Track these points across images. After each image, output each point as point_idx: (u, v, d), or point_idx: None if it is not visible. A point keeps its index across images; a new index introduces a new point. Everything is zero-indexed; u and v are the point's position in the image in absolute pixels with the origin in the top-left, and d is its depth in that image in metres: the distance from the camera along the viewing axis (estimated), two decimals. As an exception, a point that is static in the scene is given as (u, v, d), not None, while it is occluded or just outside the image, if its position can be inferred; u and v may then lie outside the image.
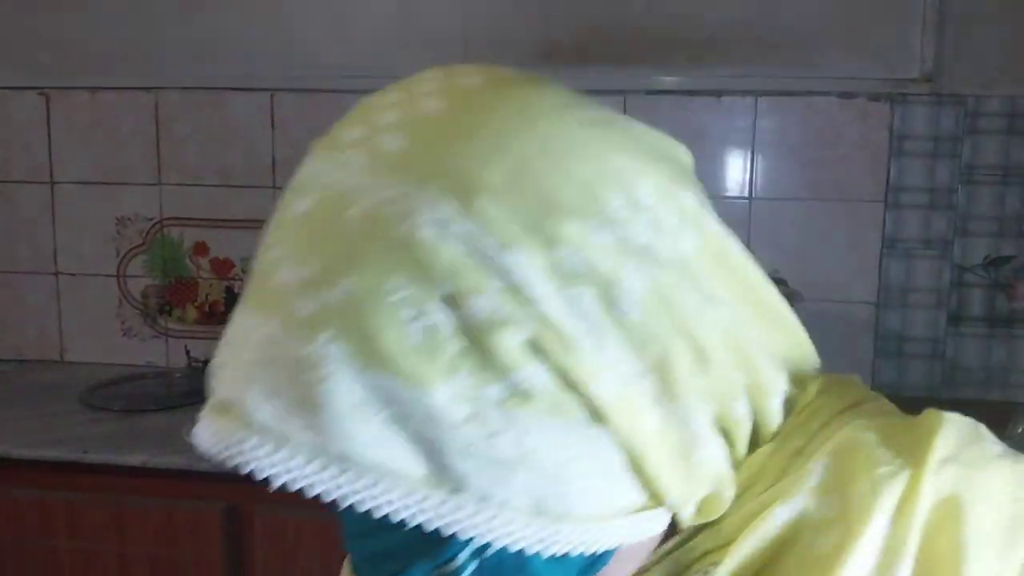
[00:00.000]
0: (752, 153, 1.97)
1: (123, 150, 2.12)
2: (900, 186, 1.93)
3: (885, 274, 1.96)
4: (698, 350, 0.42)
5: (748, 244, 1.95)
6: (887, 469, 0.43)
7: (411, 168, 0.39)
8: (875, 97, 1.92)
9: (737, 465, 0.46)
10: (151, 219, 2.13)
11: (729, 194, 1.97)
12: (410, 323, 0.37)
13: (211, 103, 2.08)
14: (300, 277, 0.39)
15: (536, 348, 0.39)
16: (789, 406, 0.47)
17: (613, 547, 0.43)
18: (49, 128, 2.13)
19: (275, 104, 2.07)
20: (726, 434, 0.45)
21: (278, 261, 0.40)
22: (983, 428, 0.46)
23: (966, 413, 0.46)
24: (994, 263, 1.93)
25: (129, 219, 2.12)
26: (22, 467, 1.61)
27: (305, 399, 0.38)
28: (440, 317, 0.38)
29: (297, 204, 0.41)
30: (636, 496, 0.43)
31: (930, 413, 0.46)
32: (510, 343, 0.38)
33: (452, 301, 0.38)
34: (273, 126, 2.07)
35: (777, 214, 1.97)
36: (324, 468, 0.38)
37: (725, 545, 0.45)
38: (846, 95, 1.92)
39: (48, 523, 1.63)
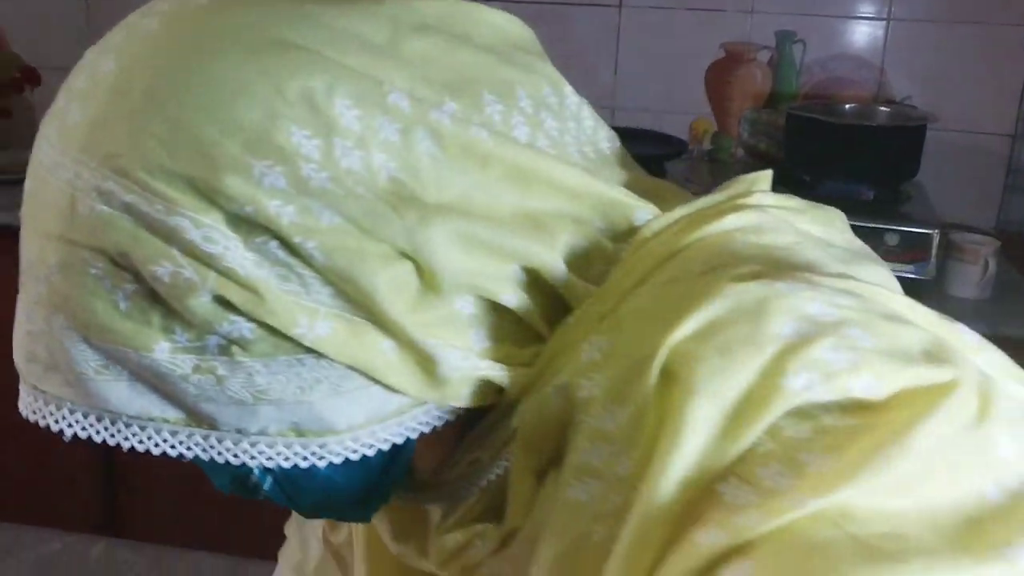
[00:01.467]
0: (894, -30, 1.86)
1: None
2: (1054, 9, 1.80)
3: (1026, 104, 1.85)
4: (424, 270, 0.41)
5: (882, 68, 1.84)
6: (643, 348, 0.39)
7: (83, 141, 0.39)
8: (1036, -91, 1.76)
9: (541, 338, 0.44)
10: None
11: (865, 14, 1.86)
12: (113, 293, 0.40)
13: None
14: (27, 259, 0.42)
15: (225, 304, 0.39)
16: (606, 264, 0.44)
17: (401, 442, 0.43)
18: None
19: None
20: (499, 326, 0.44)
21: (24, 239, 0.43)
22: (775, 304, 0.38)
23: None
24: None
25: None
26: None
27: (63, 367, 0.42)
28: (135, 287, 0.39)
29: (28, 182, 0.43)
30: (400, 400, 0.43)
31: (716, 283, 0.39)
32: (199, 303, 0.39)
33: (138, 272, 0.39)
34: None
35: (915, 37, 1.85)
36: (99, 420, 0.42)
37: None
38: (1004, -94, 1.77)
39: None
